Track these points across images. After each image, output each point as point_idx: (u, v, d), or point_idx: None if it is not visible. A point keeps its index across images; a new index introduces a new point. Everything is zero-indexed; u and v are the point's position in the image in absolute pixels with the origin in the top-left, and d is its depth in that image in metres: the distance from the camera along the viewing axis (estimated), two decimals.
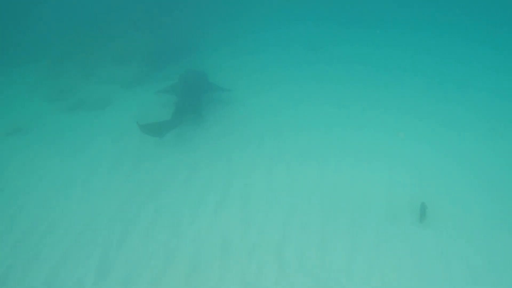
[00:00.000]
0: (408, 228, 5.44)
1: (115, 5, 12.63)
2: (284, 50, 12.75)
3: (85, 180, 6.51)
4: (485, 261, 4.95)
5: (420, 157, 7.04)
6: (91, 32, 11.22)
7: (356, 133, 7.75)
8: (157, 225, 5.56)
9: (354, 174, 6.53)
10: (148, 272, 4.84)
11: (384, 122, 8.12)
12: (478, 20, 15.76)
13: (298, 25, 15.57)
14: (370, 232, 5.38)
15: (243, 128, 7.95)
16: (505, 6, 16.76)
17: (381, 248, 5.15)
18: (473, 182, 6.34)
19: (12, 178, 6.65)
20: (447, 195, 6.07)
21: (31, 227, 5.58)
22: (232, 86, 9.25)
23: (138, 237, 5.37)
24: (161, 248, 5.18)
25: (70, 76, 9.88)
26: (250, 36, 14.13)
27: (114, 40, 10.90)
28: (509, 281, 4.72)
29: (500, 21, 15.41)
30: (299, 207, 5.81)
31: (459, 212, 5.71)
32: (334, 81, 10.14)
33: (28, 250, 5.21)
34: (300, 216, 5.65)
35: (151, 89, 9.65)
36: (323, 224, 5.52)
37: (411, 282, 4.68)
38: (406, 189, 6.18)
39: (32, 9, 12.54)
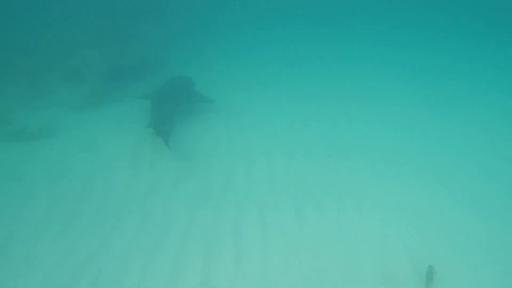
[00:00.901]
0: None
1: (68, 17, 11.24)
2: (262, 63, 11.70)
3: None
4: None
5: (419, 198, 6.00)
6: (38, 48, 9.78)
7: (339, 167, 6.68)
8: None
9: (338, 228, 5.31)
10: None
11: (371, 156, 7.06)
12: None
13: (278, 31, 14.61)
14: None
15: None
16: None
17: None
18: (490, 236, 5.24)
19: None
20: (458, 252, 4.97)
21: None
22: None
23: None
24: None
25: (9, 99, 8.41)
26: (224, 47, 13.02)
27: (67, 57, 9.47)
28: None
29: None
30: (271, 274, 4.56)
31: (474, 277, 4.61)
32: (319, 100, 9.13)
33: None
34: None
35: (108, 112, 8.39)
36: None
37: None
38: (404, 244, 5.08)
39: None
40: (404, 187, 6.24)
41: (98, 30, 10.78)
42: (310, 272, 4.55)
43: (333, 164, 6.79)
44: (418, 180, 6.41)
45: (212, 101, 8.23)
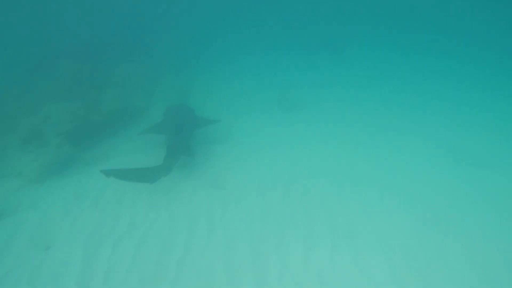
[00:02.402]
0: None
1: (40, 63, 10.09)
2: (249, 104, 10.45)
3: None
4: None
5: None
6: None
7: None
8: None
9: None
10: None
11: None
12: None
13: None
14: None
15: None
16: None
17: None
18: None
19: None
20: None
21: None
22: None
23: None
24: None
25: None
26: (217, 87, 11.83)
27: (28, 113, 8.22)
28: None
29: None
30: None
31: None
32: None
33: None
34: None
35: (71, 183, 7.03)
36: None
37: None
38: None
39: None
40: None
41: (71, 76, 9.60)
42: None
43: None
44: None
45: (219, 121, 8.18)
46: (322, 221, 5.77)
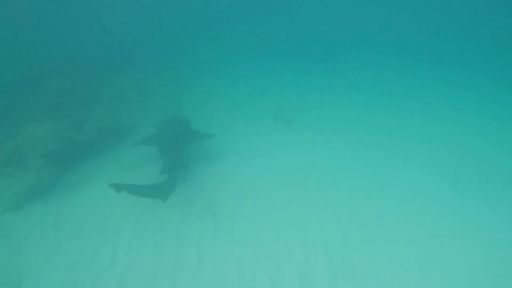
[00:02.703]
0: None
1: (26, 80, 9.69)
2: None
3: None
4: None
5: None
6: None
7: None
8: None
9: None
10: None
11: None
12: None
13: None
14: None
15: None
16: None
17: None
18: None
19: None
20: None
21: None
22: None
23: None
24: None
25: None
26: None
27: (9, 135, 7.78)
28: None
29: None
30: None
31: None
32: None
33: None
34: None
35: (54, 206, 6.59)
36: None
37: None
38: None
39: None
40: None
41: (57, 93, 9.21)
42: None
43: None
44: None
45: (213, 136, 7.74)
46: (320, 252, 5.29)
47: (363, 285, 4.76)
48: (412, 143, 8.38)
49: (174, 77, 12.41)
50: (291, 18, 20.28)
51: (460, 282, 4.79)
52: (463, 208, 6.16)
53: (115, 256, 5.45)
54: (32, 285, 4.97)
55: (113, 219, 6.25)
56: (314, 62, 14.88)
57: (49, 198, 6.91)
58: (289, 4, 21.14)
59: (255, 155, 8.07)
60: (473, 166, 7.41)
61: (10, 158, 7.26)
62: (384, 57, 15.51)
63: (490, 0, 19.06)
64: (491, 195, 6.51)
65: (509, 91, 11.77)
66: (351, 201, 6.37)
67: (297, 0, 21.23)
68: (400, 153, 7.98)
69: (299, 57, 15.42)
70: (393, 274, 4.92)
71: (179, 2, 19.79)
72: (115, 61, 12.19)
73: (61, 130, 7.98)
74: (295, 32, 18.20)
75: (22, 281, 5.05)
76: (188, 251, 5.45)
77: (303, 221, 5.92)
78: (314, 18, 21.07)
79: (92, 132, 8.34)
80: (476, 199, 6.38)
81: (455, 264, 5.06)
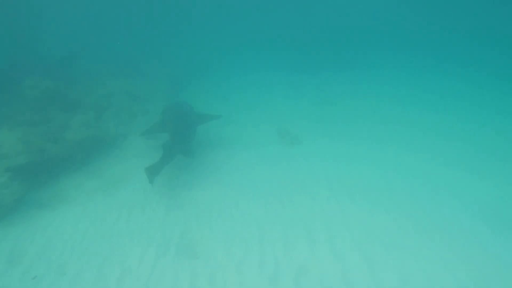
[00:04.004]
0: None
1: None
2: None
3: None
4: None
5: None
6: None
7: None
8: None
9: None
10: None
11: None
12: None
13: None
14: None
15: None
16: None
17: None
18: None
19: None
20: None
21: None
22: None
23: None
24: None
25: None
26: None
27: None
28: None
29: None
30: None
31: None
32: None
33: None
34: None
35: (16, 231, 5.73)
36: None
37: None
38: None
39: None
40: None
41: (38, 96, 8.27)
42: None
43: None
44: None
45: (219, 116, 7.86)
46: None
47: None
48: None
49: (171, 82, 11.44)
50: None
51: None
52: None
53: None
54: None
55: (76, 257, 5.26)
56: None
57: (13, 220, 6.01)
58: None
59: (253, 183, 7.01)
60: None
61: None
62: (399, 72, 14.31)
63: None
64: None
65: None
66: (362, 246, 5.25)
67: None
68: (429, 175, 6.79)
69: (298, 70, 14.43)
70: None
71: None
72: (110, 62, 11.25)
73: (36, 138, 7.05)
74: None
75: None
76: None
77: (302, 277, 4.84)
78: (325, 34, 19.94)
79: (71, 142, 7.40)
80: None
81: None
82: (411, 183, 6.80)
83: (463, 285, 4.59)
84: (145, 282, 4.78)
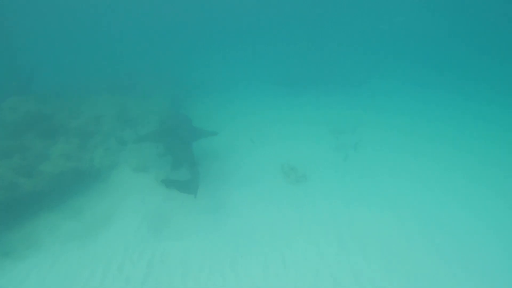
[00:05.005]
0: None
1: None
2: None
3: None
4: None
5: None
6: None
7: None
8: None
9: None
10: None
11: None
12: None
13: None
14: None
15: None
16: None
17: None
18: None
19: None
20: None
21: None
22: None
23: None
24: None
25: None
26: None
27: None
28: None
29: None
30: None
31: None
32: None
33: None
34: None
35: None
36: None
37: None
38: None
39: None
40: None
41: (15, 120, 7.47)
42: None
43: None
44: None
45: (216, 133, 7.75)
46: None
47: None
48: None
49: (169, 100, 10.64)
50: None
51: None
52: None
53: None
54: None
55: None
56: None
57: None
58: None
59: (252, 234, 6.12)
60: None
61: None
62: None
63: None
64: None
65: None
66: None
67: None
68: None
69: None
70: None
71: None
72: (107, 78, 10.48)
73: (7, 171, 6.20)
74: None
75: None
76: None
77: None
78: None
79: (48, 175, 6.53)
80: None
81: None
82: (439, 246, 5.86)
83: None
84: None
